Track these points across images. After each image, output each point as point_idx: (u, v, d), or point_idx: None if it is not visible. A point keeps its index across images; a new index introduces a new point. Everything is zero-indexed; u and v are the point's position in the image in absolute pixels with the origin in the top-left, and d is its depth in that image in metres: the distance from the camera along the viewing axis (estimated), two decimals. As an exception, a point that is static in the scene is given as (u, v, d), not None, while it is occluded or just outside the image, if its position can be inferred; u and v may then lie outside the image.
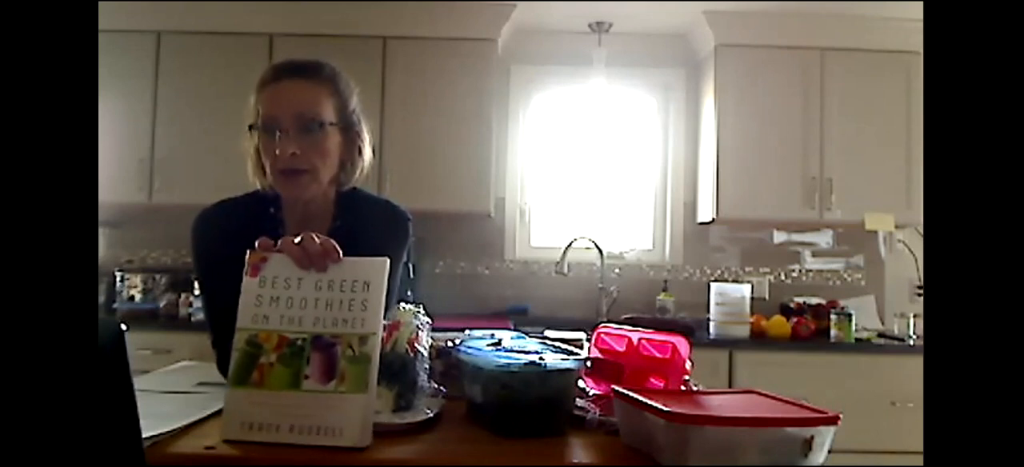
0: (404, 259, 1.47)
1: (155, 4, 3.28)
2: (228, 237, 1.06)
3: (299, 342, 0.94)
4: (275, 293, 0.97)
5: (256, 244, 1.01)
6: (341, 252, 1.00)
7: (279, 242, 1.01)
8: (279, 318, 0.96)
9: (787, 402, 0.94)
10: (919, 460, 2.14)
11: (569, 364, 1.01)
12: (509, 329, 1.78)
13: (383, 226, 1.43)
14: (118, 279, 3.33)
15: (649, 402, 0.86)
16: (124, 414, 0.70)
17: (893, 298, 3.59)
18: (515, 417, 0.97)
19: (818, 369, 2.96)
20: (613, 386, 0.97)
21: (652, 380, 1.12)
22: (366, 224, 1.39)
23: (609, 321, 1.58)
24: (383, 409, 0.99)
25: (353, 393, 0.91)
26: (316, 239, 1.00)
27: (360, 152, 1.38)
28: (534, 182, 3.75)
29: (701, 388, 1.11)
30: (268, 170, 1.30)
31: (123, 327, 0.70)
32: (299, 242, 0.99)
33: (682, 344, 1.10)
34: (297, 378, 0.92)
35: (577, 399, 1.06)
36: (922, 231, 3.48)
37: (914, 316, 3.21)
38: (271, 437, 0.90)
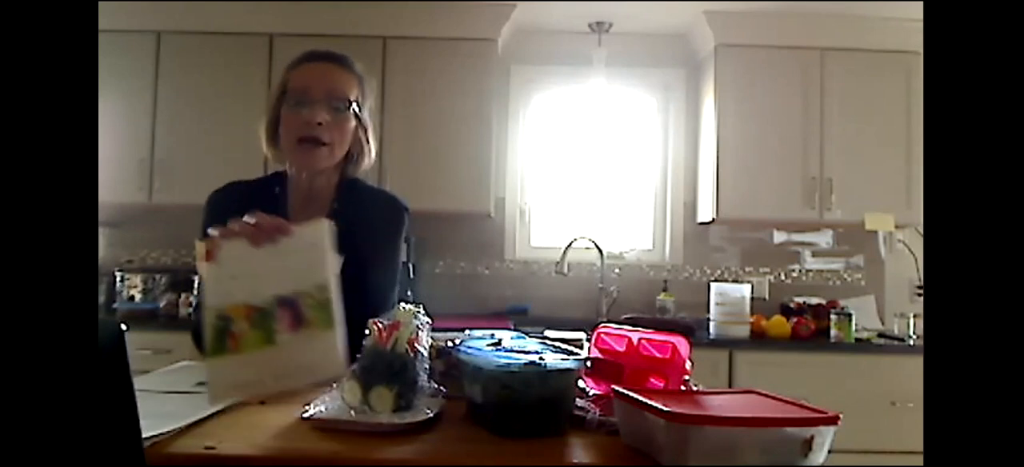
0: (403, 251, 1.53)
1: (155, 4, 3.28)
2: (233, 214, 1.11)
3: (265, 307, 1.00)
4: (234, 272, 1.03)
5: (207, 232, 1.06)
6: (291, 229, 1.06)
7: (232, 225, 1.06)
8: (242, 292, 1.01)
9: (787, 402, 0.94)
10: (919, 460, 2.14)
11: (569, 364, 1.01)
12: (509, 329, 1.78)
13: (380, 215, 1.49)
14: (118, 279, 3.33)
15: (649, 402, 0.85)
16: (124, 414, 0.70)
17: (893, 298, 3.59)
18: (515, 417, 0.97)
19: (818, 369, 2.96)
20: (613, 386, 0.97)
21: (652, 380, 1.12)
22: (364, 212, 1.45)
23: (609, 321, 1.58)
24: (383, 409, 0.99)
25: (322, 329, 0.98)
26: (265, 216, 1.05)
27: (365, 147, 1.48)
28: (534, 182, 3.75)
29: (701, 388, 1.11)
30: (286, 140, 1.38)
31: (123, 327, 0.70)
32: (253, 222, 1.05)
33: (682, 344, 1.10)
34: (270, 335, 0.99)
35: (577, 399, 1.06)
36: (922, 231, 3.48)
37: (914, 316, 3.21)
38: (255, 391, 0.98)
